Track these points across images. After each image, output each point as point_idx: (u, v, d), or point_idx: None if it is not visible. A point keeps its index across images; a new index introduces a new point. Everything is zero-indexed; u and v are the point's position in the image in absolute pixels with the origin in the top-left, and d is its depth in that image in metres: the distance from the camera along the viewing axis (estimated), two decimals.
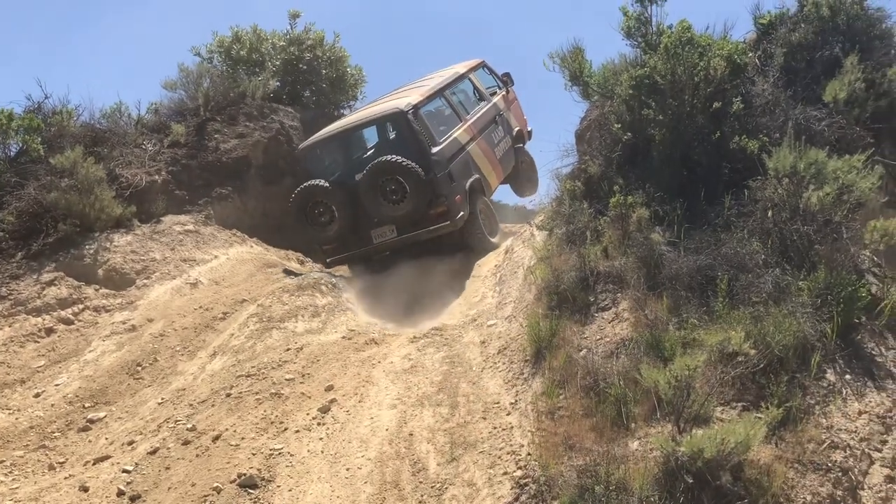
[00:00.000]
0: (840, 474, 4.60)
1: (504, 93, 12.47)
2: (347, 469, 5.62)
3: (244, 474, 5.70)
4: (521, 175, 12.58)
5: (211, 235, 11.08)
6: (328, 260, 10.84)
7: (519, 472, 5.20)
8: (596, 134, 9.06)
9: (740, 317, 5.52)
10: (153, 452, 6.27)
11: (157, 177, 11.30)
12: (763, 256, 6.29)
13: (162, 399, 7.33)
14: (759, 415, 4.73)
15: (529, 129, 13.02)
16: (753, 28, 9.43)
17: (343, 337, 8.14)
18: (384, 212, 9.91)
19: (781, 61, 8.62)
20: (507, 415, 5.89)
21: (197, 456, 6.09)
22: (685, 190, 7.43)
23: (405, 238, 10.13)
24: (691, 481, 4.35)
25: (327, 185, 10.06)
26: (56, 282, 9.20)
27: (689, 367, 4.59)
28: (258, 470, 5.75)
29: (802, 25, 8.82)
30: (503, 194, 14.21)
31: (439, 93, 10.93)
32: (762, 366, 5.06)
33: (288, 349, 7.74)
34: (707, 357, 4.92)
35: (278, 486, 5.62)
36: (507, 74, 12.77)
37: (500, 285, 8.64)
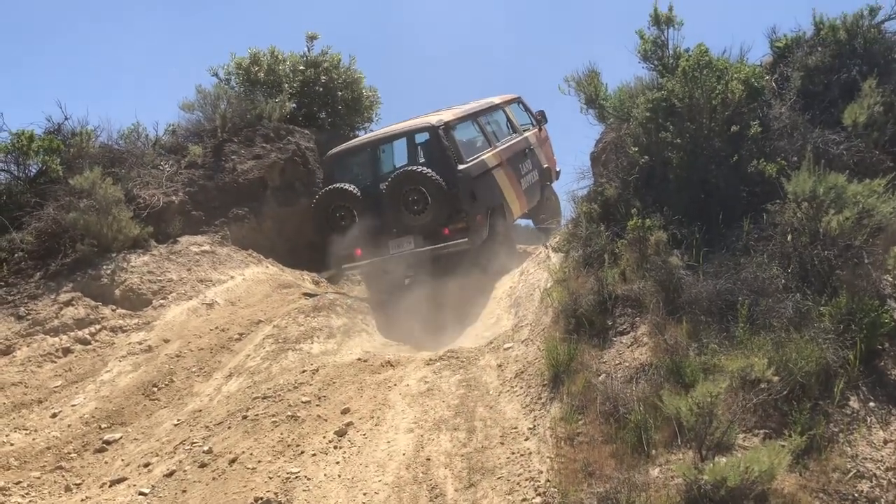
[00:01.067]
0: None
1: (536, 130, 12.57)
2: (364, 494, 5.58)
3: (261, 498, 5.67)
4: (544, 211, 12.64)
5: (227, 256, 11.12)
6: (343, 266, 10.90)
7: (538, 499, 5.14)
8: (612, 156, 9.05)
9: (762, 342, 5.46)
10: (169, 475, 6.25)
11: (174, 197, 11.36)
12: (783, 281, 6.24)
13: (178, 420, 7.32)
14: (783, 442, 4.66)
15: (558, 169, 13.10)
16: (769, 51, 9.43)
17: (359, 359, 8.11)
18: (405, 221, 10.00)
19: (798, 84, 8.60)
20: (526, 440, 5.84)
21: (213, 479, 6.06)
22: (703, 213, 7.40)
23: (422, 251, 10.17)
24: None
25: (353, 189, 10.18)
26: (73, 302, 9.25)
27: (711, 394, 4.54)
28: (275, 494, 5.71)
29: (819, 49, 8.81)
30: None
31: (472, 117, 11.15)
32: (785, 393, 5.01)
33: (304, 371, 7.72)
34: (729, 383, 4.86)
35: None
36: (541, 112, 12.91)
37: (515, 307, 8.61)
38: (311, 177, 13.22)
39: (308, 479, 5.86)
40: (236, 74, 14.97)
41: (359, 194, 10.18)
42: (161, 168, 11.89)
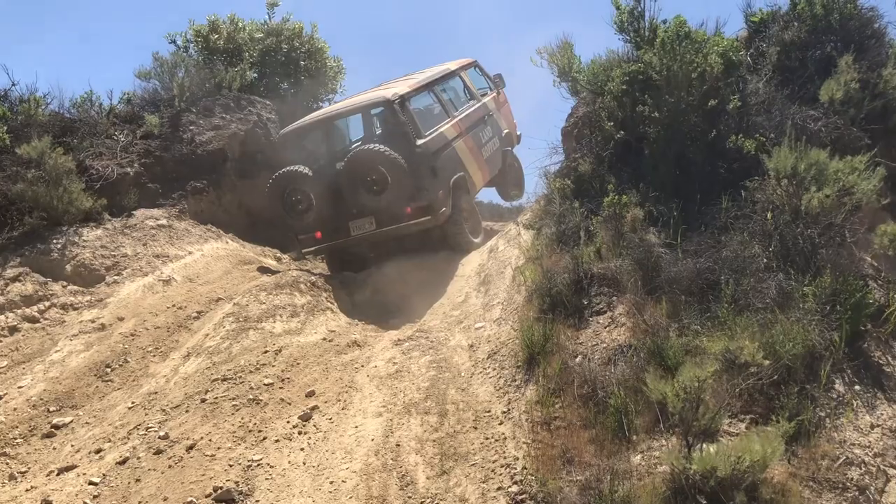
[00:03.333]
0: (857, 493, 4.36)
1: (495, 94, 12.20)
2: (331, 482, 5.28)
3: (220, 488, 5.33)
4: (507, 178, 12.31)
5: (185, 230, 10.68)
6: (303, 250, 10.47)
7: (514, 488, 4.90)
8: (585, 131, 8.81)
9: (746, 323, 5.27)
10: (122, 462, 5.87)
11: (129, 169, 10.85)
12: (764, 260, 6.07)
13: (132, 403, 6.93)
14: (770, 428, 4.48)
15: (519, 132, 12.76)
16: (745, 26, 9.24)
17: (323, 338, 7.81)
18: (364, 202, 9.56)
19: (775, 60, 8.44)
20: (500, 424, 5.59)
21: (170, 467, 5.71)
22: (680, 190, 7.21)
23: (384, 231, 9.78)
24: (704, 502, 4.09)
25: (307, 171, 9.70)
26: (21, 278, 8.77)
27: (698, 379, 4.33)
28: (235, 483, 5.38)
29: (795, 24, 8.66)
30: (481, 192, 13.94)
31: (428, 87, 10.62)
32: (775, 377, 4.83)
33: (266, 351, 7.37)
34: (715, 367, 4.65)
35: (257, 501, 5.24)
36: (498, 76, 12.51)
37: (485, 285, 8.35)
38: (273, 149, 12.77)
39: (271, 467, 5.54)
40: (195, 42, 14.42)
41: (314, 175, 9.69)
42: (115, 138, 11.37)
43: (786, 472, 4.34)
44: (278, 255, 11.90)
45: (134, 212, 10.48)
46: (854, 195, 6.45)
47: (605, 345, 5.90)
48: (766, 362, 4.66)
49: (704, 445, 4.33)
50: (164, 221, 10.54)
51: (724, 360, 4.80)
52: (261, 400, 6.48)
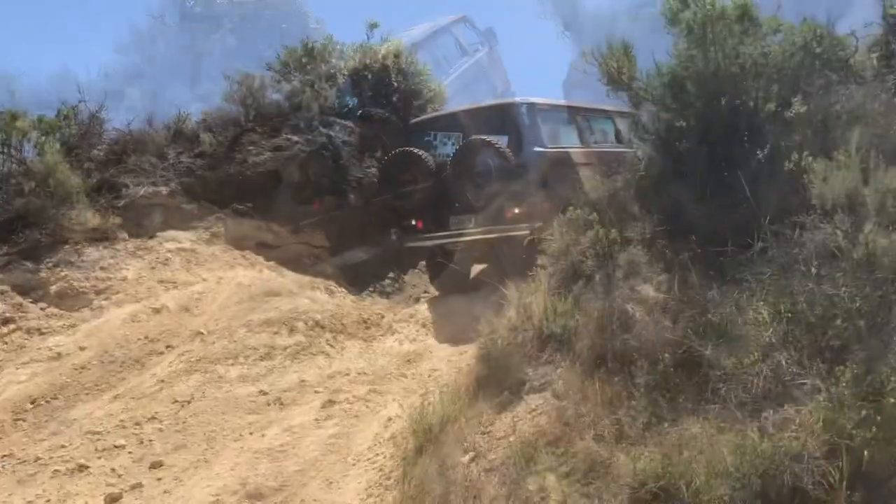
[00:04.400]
0: None
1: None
2: None
3: None
4: None
5: (210, 255, 9.74)
6: (405, 244, 10.29)
7: None
8: None
9: None
10: None
11: (162, 188, 10.11)
12: None
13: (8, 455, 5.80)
14: None
15: None
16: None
17: (261, 392, 6.39)
18: (467, 193, 9.17)
19: None
20: None
21: None
22: None
23: (480, 232, 9.21)
24: None
25: (424, 155, 9.65)
26: None
27: None
28: None
29: None
30: None
31: (570, 112, 10.18)
32: None
33: (175, 402, 6.06)
34: None
35: None
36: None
37: None
38: (338, 172, 11.67)
39: None
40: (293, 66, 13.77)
41: (429, 161, 9.60)
42: (166, 156, 10.70)
43: None
44: (332, 287, 10.69)
45: (160, 233, 9.70)
46: None
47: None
48: None
49: None
50: (186, 245, 9.66)
51: None
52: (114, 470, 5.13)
